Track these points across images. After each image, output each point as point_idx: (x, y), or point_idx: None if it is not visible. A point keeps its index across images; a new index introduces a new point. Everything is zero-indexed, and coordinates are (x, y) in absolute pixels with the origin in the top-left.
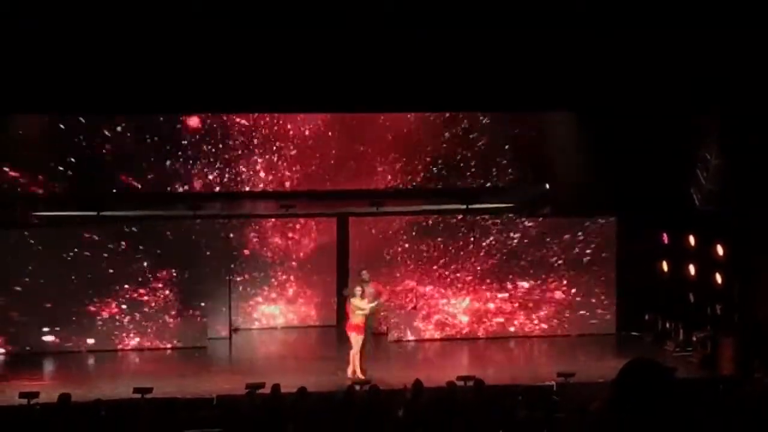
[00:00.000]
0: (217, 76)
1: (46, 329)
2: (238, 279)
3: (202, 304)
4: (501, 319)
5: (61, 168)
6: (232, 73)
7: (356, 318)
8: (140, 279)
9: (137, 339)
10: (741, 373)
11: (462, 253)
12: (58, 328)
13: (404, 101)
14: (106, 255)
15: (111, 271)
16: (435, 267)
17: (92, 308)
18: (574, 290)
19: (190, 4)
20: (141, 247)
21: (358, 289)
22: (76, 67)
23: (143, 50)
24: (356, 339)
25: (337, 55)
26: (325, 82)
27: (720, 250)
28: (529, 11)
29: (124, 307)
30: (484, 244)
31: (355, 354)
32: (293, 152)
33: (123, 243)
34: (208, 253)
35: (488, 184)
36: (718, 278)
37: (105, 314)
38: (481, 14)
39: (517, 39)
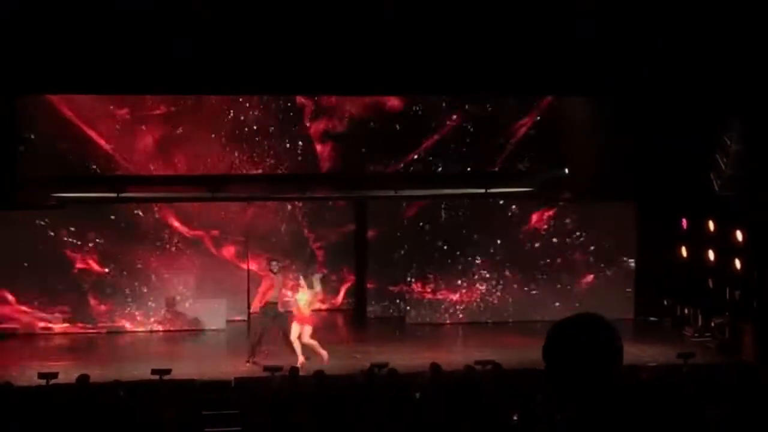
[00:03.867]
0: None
1: (65, 309)
2: (256, 262)
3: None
4: (519, 303)
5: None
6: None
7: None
8: (159, 261)
9: (155, 321)
10: (759, 359)
11: (481, 236)
12: (75, 309)
13: (421, 84)
14: (125, 237)
15: (131, 252)
16: (457, 252)
17: (111, 290)
18: (592, 275)
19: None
20: (162, 228)
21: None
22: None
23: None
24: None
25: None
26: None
27: (739, 235)
28: None
29: (143, 289)
30: (501, 229)
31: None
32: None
33: (143, 226)
34: (227, 235)
35: (507, 169)
36: (737, 264)
37: (124, 296)
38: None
39: (537, 21)
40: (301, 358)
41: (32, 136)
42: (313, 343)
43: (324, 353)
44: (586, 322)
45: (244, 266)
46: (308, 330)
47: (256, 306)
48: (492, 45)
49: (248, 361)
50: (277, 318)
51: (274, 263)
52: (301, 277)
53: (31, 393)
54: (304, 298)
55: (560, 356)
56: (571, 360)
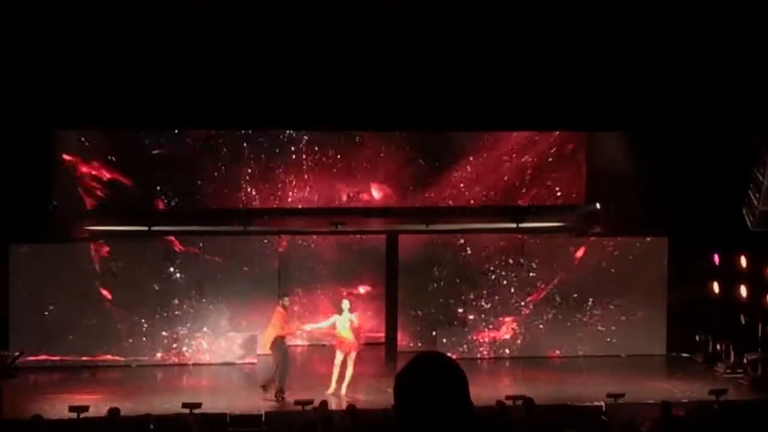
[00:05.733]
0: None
1: (95, 342)
2: (289, 294)
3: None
4: (550, 338)
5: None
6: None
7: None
8: (192, 294)
9: (186, 354)
10: None
11: (510, 270)
12: (109, 342)
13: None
14: (157, 269)
15: (161, 286)
16: (482, 285)
17: (142, 322)
18: (624, 310)
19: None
20: (194, 261)
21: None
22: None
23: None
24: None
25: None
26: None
27: None
28: (581, 30)
29: (174, 321)
30: (534, 263)
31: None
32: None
33: (175, 258)
34: (259, 268)
35: (538, 203)
36: None
37: (155, 328)
38: (533, 31)
39: (570, 58)
40: (332, 387)
41: (66, 168)
42: (348, 373)
43: (333, 386)
44: (429, 362)
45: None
46: (352, 355)
47: (267, 344)
48: (522, 80)
49: (278, 397)
50: (287, 351)
51: (286, 299)
52: (344, 302)
53: (62, 426)
54: (341, 323)
55: (410, 400)
56: (421, 401)
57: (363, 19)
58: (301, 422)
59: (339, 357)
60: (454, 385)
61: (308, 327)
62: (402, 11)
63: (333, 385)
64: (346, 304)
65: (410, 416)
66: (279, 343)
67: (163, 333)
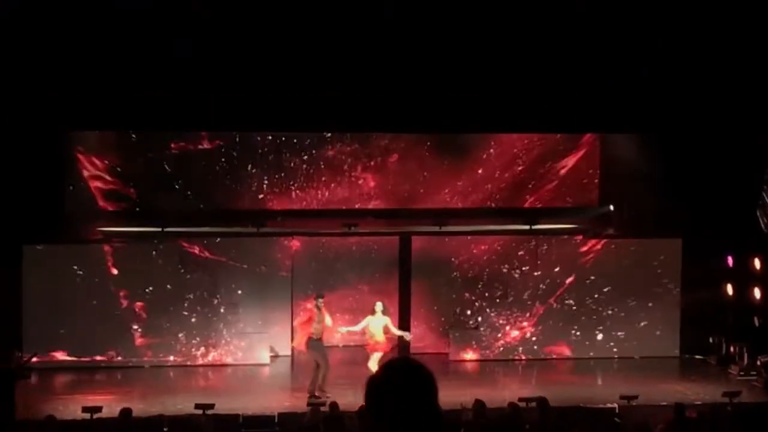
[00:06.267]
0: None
1: (108, 343)
2: (301, 296)
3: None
4: (564, 340)
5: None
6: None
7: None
8: (205, 295)
9: (199, 354)
10: None
11: (523, 272)
12: (121, 343)
13: (466, 122)
14: (170, 270)
15: (174, 287)
16: (494, 287)
17: (155, 323)
18: (637, 312)
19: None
20: (207, 262)
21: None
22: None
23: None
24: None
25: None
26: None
27: None
28: (594, 32)
29: (187, 322)
30: (547, 265)
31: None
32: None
33: (188, 259)
34: (272, 269)
35: (552, 205)
36: None
37: (168, 329)
38: (547, 35)
39: (583, 60)
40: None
41: (80, 169)
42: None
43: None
44: (399, 368)
45: (289, 301)
46: (378, 356)
47: (301, 343)
48: (536, 82)
49: (312, 396)
50: (323, 350)
51: (320, 300)
52: (377, 305)
53: (76, 427)
54: (375, 325)
55: (381, 404)
56: (391, 406)
57: (372, 21)
58: (304, 423)
59: (374, 359)
60: (424, 390)
61: (342, 330)
62: (415, 11)
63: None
64: (379, 306)
65: (381, 420)
66: (313, 342)
67: (176, 334)
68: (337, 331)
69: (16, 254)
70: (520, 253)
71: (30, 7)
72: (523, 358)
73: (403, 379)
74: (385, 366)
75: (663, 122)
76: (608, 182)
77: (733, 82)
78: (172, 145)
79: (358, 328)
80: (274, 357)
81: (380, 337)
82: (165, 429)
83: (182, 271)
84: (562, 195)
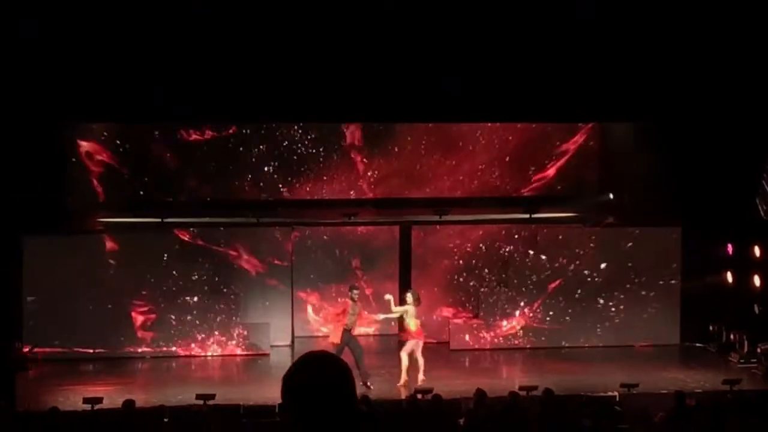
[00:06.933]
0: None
1: (108, 334)
2: (302, 286)
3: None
4: (562, 329)
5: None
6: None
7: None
8: (205, 285)
9: (200, 345)
10: None
11: (523, 260)
12: (122, 334)
13: (464, 111)
14: (170, 261)
15: (174, 277)
16: (493, 275)
17: (155, 314)
18: (637, 300)
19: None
20: (207, 252)
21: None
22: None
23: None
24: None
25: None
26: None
27: None
28: (593, 19)
29: (187, 313)
30: (547, 253)
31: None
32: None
33: (188, 250)
34: (272, 259)
35: (552, 194)
36: None
37: (168, 320)
38: (545, 22)
39: (582, 48)
40: (404, 378)
41: (79, 160)
42: (420, 362)
43: (404, 377)
44: (315, 362)
45: (289, 291)
46: (420, 345)
47: (337, 336)
48: (535, 70)
49: (366, 385)
50: (351, 341)
51: (355, 291)
52: (408, 294)
53: (77, 418)
54: (408, 314)
55: (297, 398)
56: (307, 400)
57: (367, 9)
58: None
59: (408, 348)
60: (340, 384)
61: (380, 316)
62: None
63: (403, 376)
64: (410, 296)
65: (297, 414)
66: (346, 334)
67: (177, 324)
68: (376, 318)
69: (16, 246)
70: (520, 242)
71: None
72: (523, 346)
73: (318, 373)
74: (300, 360)
75: (662, 110)
76: (608, 170)
77: (734, 70)
78: (173, 136)
79: (394, 315)
80: (275, 347)
81: (413, 326)
82: (166, 420)
83: (182, 261)
84: (562, 183)
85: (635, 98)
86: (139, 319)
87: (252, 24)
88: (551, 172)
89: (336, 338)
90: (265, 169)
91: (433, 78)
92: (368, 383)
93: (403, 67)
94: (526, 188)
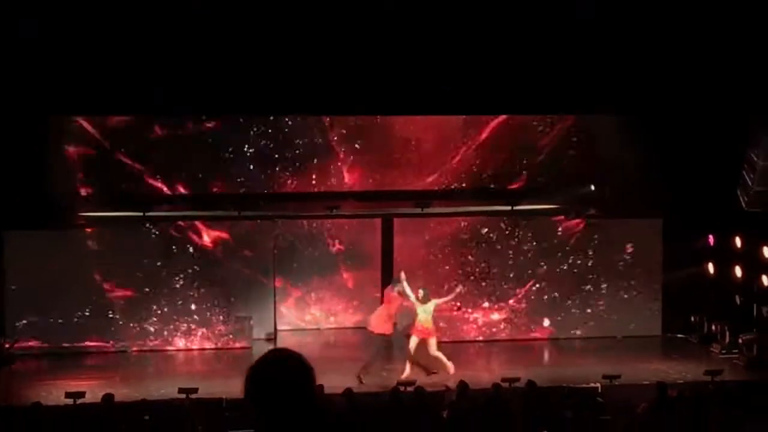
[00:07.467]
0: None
1: (90, 328)
2: (284, 280)
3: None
4: (546, 320)
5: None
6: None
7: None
8: (187, 279)
9: (182, 339)
10: None
11: (505, 252)
12: (104, 329)
13: (443, 104)
14: (152, 255)
15: (156, 272)
16: (476, 268)
17: (138, 308)
18: (619, 291)
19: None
20: (189, 247)
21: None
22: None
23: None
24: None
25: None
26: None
27: (766, 251)
28: (574, 12)
29: (169, 307)
30: (529, 245)
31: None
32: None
33: (170, 244)
34: (254, 253)
35: (532, 186)
36: (765, 280)
37: (150, 314)
38: (528, 15)
39: (563, 40)
40: (407, 372)
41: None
42: (440, 354)
43: (450, 364)
44: (277, 358)
45: (271, 284)
46: (433, 342)
47: (390, 329)
48: (516, 63)
49: (360, 379)
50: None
51: (399, 284)
52: (420, 291)
53: (59, 412)
54: (424, 311)
55: (259, 393)
56: (269, 395)
57: (351, 4)
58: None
59: (413, 342)
60: (301, 380)
61: (438, 301)
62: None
63: (407, 370)
64: (422, 292)
65: (259, 409)
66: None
67: (159, 318)
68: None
69: None
70: (501, 234)
71: None
72: (506, 338)
73: (280, 369)
74: (263, 356)
75: (642, 103)
76: (590, 162)
77: (714, 62)
78: (155, 130)
79: (450, 297)
80: (258, 340)
81: (427, 322)
82: (146, 417)
83: (164, 256)
84: (544, 175)
85: (616, 91)
86: (122, 313)
87: (233, 16)
88: (533, 164)
89: (386, 329)
90: (247, 162)
91: (416, 71)
92: (363, 379)
93: (385, 60)
94: (508, 180)
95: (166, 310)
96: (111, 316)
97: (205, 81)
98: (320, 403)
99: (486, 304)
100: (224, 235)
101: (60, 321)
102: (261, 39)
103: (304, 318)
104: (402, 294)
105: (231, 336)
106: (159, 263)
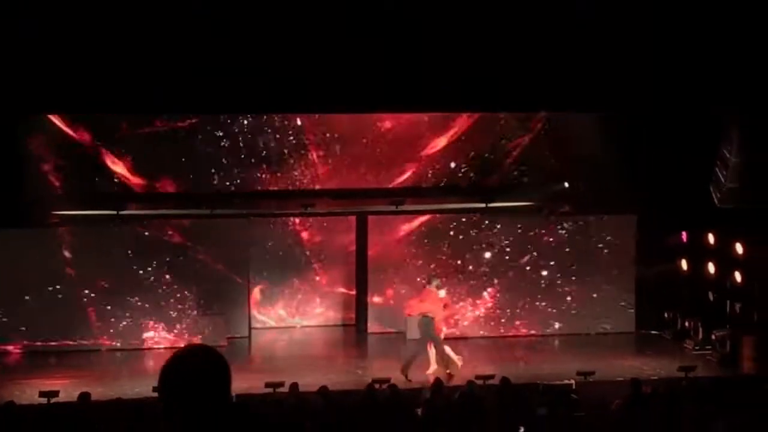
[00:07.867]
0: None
1: (64, 327)
2: (258, 278)
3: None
4: (520, 317)
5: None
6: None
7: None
8: (159, 278)
9: (156, 338)
10: (760, 372)
11: (480, 249)
12: (78, 327)
13: (423, 101)
14: (126, 253)
15: (130, 270)
16: (451, 265)
17: (112, 307)
18: (593, 288)
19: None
20: (163, 245)
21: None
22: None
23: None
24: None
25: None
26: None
27: (739, 248)
28: (551, 11)
29: (144, 305)
30: (503, 242)
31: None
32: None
33: (144, 242)
34: (228, 251)
35: (506, 183)
36: (738, 277)
37: (125, 313)
38: (506, 14)
39: (538, 39)
40: (433, 366)
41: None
42: (449, 350)
43: (457, 358)
44: (193, 354)
45: (246, 282)
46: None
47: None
48: (494, 61)
49: (407, 377)
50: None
51: (437, 281)
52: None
53: (33, 411)
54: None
55: (173, 390)
56: (183, 391)
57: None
58: (271, 404)
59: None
60: (216, 377)
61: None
62: None
63: (433, 365)
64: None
65: (173, 405)
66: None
67: (133, 317)
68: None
69: None
70: (476, 231)
71: None
72: (480, 335)
73: (194, 366)
74: (178, 353)
75: (616, 100)
76: (564, 160)
77: (686, 59)
78: (128, 128)
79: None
80: (232, 338)
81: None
82: (122, 412)
83: (138, 254)
84: (518, 172)
85: (591, 88)
86: (96, 312)
87: (229, 14)
88: (507, 161)
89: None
90: (221, 160)
91: (392, 67)
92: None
93: (362, 57)
94: (482, 177)
95: (140, 308)
96: (84, 314)
97: (204, 81)
98: (239, 402)
99: (461, 304)
100: (198, 233)
101: (34, 319)
102: (255, 37)
103: (277, 316)
104: (439, 288)
105: (205, 333)
106: (133, 261)
